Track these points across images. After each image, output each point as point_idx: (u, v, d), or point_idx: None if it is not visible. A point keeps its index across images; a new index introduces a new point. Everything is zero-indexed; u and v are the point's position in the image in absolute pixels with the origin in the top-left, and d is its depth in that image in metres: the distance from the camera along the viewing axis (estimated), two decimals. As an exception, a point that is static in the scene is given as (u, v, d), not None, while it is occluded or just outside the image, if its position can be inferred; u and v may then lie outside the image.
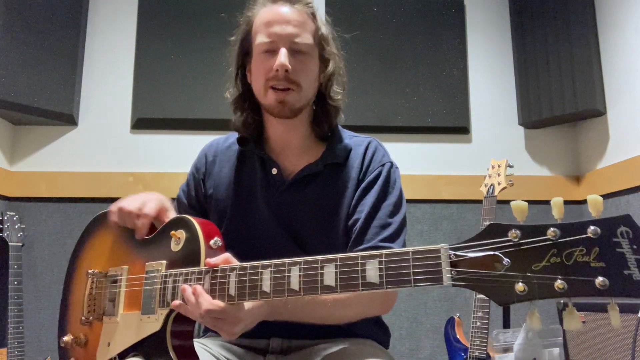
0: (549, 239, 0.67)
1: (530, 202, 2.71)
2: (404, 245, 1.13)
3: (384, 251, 0.79)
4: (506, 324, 1.90)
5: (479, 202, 1.98)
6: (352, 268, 0.81)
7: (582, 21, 2.38)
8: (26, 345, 2.04)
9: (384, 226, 1.12)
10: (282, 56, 1.09)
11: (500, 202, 1.94)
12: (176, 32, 2.56)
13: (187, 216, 1.03)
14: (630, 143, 2.21)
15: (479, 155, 2.53)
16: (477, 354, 1.81)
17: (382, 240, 1.10)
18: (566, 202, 2.63)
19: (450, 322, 2.07)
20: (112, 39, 2.59)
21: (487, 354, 1.79)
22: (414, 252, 0.76)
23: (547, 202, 2.70)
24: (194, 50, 2.55)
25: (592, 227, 0.64)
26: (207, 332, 1.27)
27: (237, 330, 0.91)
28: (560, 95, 2.40)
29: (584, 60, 2.35)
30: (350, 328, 1.12)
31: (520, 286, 0.67)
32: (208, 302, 0.89)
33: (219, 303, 0.89)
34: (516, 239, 0.69)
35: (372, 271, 0.79)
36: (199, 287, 0.90)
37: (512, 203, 0.73)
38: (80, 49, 2.51)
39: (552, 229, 0.67)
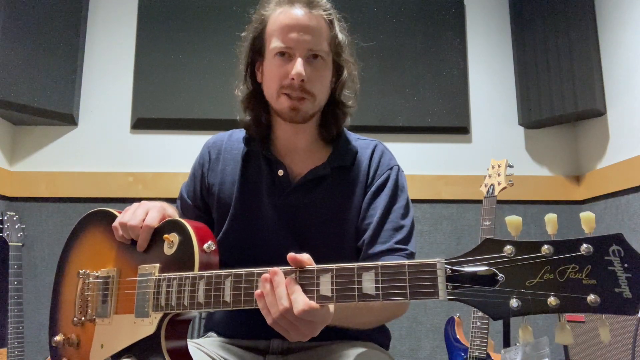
0: (542, 256, 0.69)
1: (530, 202, 2.70)
2: (415, 247, 1.15)
3: (380, 263, 0.79)
4: (507, 326, 1.90)
5: (479, 202, 1.97)
6: (348, 279, 0.81)
7: (582, 21, 2.38)
8: (26, 345, 2.04)
9: (397, 229, 1.12)
10: (299, 65, 1.08)
11: (500, 202, 1.94)
12: (176, 32, 2.56)
13: (180, 220, 1.02)
14: (630, 143, 2.20)
15: (479, 155, 2.53)
16: (477, 354, 1.81)
17: (397, 243, 1.11)
18: (566, 202, 2.61)
19: (450, 322, 2.07)
20: (112, 39, 2.59)
21: (487, 354, 1.79)
22: (410, 266, 0.77)
23: (547, 202, 2.68)
24: (194, 50, 2.55)
25: (585, 245, 0.67)
26: (206, 332, 1.27)
27: (315, 334, 0.84)
28: (560, 95, 2.40)
29: (584, 60, 2.35)
30: (350, 330, 1.12)
31: (514, 301, 0.69)
32: (304, 302, 0.80)
33: (314, 304, 0.81)
34: (511, 255, 0.70)
35: (368, 283, 0.79)
36: (293, 282, 0.82)
37: (506, 218, 0.74)
38: (80, 49, 2.51)
39: (546, 246, 0.68)
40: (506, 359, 1.20)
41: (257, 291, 0.84)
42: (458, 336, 2.02)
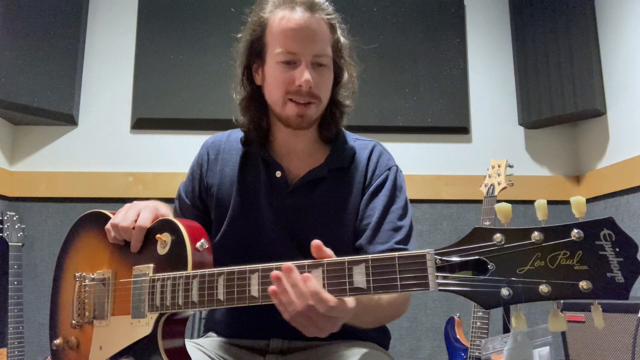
0: (533, 243, 0.68)
1: (530, 202, 2.70)
2: (415, 247, 1.14)
3: (370, 256, 0.79)
4: (506, 325, 1.90)
5: (479, 202, 1.97)
6: (340, 273, 0.80)
7: (582, 21, 2.38)
8: (26, 345, 2.04)
9: (396, 229, 1.12)
10: (307, 73, 1.08)
11: (500, 202, 1.94)
12: (176, 32, 2.56)
13: (172, 219, 1.02)
14: (630, 143, 2.20)
15: (479, 155, 2.53)
16: (477, 354, 1.81)
17: (397, 243, 1.10)
18: (566, 202, 2.60)
19: (450, 322, 2.07)
20: (112, 39, 2.60)
21: (487, 354, 1.79)
22: (400, 258, 0.76)
23: (547, 202, 2.68)
24: (194, 50, 2.55)
25: (575, 230, 0.66)
26: (206, 332, 1.27)
27: (336, 329, 0.83)
28: (560, 95, 2.40)
29: (584, 60, 2.35)
30: (350, 330, 1.12)
31: (505, 290, 0.68)
32: (329, 299, 0.78)
33: (334, 299, 0.79)
34: (500, 243, 0.69)
35: (359, 276, 0.78)
36: (312, 278, 0.80)
37: (496, 206, 0.74)
38: (80, 49, 2.51)
39: (535, 232, 0.68)
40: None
41: (271, 287, 0.81)
42: (458, 336, 2.02)
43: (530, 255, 0.68)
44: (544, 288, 0.66)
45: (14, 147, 2.49)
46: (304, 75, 1.08)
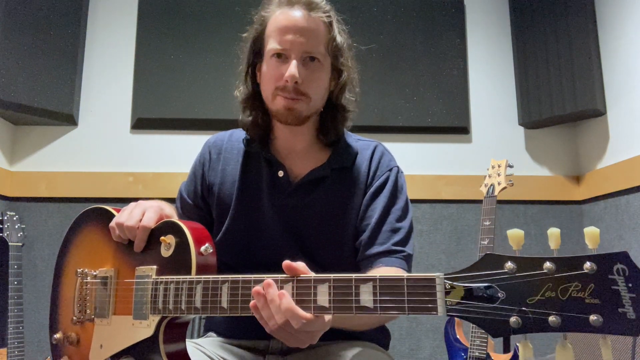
0: (544, 273, 0.67)
1: (530, 202, 2.68)
2: (413, 249, 1.14)
3: (378, 275, 0.78)
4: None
5: (479, 202, 1.97)
6: (346, 290, 0.79)
7: (582, 21, 2.38)
8: (26, 345, 2.04)
9: (395, 230, 1.13)
10: (293, 67, 1.08)
11: (500, 202, 1.94)
12: (176, 32, 2.56)
13: (177, 221, 1.02)
14: (630, 143, 2.20)
15: (479, 155, 2.53)
16: (477, 354, 1.81)
17: (395, 244, 1.11)
18: (566, 202, 2.60)
19: (450, 322, 2.07)
20: (112, 39, 2.59)
21: (487, 354, 1.79)
22: (408, 279, 0.76)
23: (547, 202, 2.67)
24: (194, 50, 2.55)
25: (588, 263, 0.65)
26: (206, 332, 1.27)
27: (314, 341, 0.85)
28: (560, 95, 2.40)
29: (584, 60, 2.35)
30: (350, 331, 1.12)
31: (514, 319, 0.67)
32: (300, 316, 0.79)
33: (309, 316, 0.79)
34: (512, 271, 0.69)
35: (366, 295, 0.78)
36: (286, 295, 0.80)
37: (508, 232, 0.73)
38: (80, 49, 2.51)
39: (548, 263, 0.67)
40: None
41: (251, 303, 0.83)
42: (458, 336, 2.02)
43: (542, 286, 0.67)
44: (553, 319, 0.65)
45: (14, 147, 2.49)
46: (290, 70, 1.08)
